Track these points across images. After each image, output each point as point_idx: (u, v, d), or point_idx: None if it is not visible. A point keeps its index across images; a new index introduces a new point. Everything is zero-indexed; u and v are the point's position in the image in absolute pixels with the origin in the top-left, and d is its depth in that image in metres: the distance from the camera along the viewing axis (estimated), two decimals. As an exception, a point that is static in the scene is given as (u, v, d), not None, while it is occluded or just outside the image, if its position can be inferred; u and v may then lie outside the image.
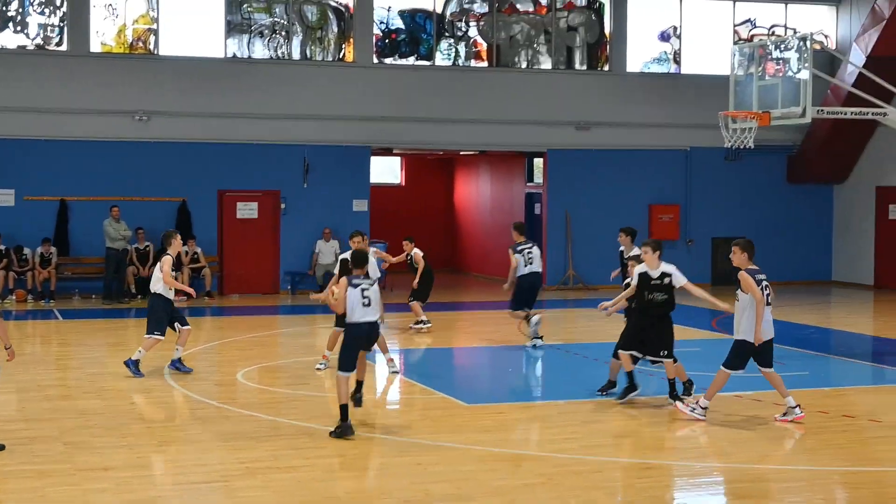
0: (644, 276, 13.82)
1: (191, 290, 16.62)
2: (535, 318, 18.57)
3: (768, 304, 12.69)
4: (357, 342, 12.24)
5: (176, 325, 15.88)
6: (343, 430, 11.95)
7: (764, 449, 11.91)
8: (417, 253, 20.62)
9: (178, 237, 16.22)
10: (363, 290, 12.10)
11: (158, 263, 15.86)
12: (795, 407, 12.92)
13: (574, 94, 29.11)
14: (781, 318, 23.05)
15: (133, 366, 15.64)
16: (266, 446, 11.68)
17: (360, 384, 12.68)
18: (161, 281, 15.60)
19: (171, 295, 15.75)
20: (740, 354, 12.85)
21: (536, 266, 18.70)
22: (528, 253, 18.56)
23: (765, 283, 12.81)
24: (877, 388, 16.13)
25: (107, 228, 25.02)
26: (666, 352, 13.71)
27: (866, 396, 15.48)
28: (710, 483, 10.88)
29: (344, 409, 12.02)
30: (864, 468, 11.21)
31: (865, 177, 30.25)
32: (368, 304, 12.10)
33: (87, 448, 11.51)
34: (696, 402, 13.10)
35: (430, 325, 20.34)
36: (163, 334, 15.73)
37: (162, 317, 15.77)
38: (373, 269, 14.39)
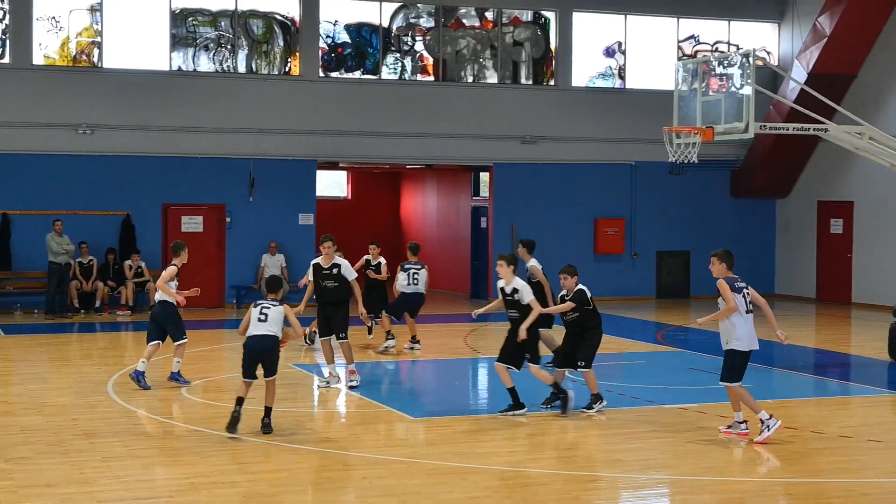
0: (501, 291, 14.22)
1: (181, 299, 16.21)
2: (390, 343, 19.60)
3: (749, 312, 12.80)
4: (249, 353, 12.92)
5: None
6: (232, 420, 12.66)
7: (708, 461, 11.99)
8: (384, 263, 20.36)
9: (186, 250, 16.56)
10: (262, 308, 12.90)
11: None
12: (742, 423, 12.98)
13: (520, 109, 29.23)
14: (714, 329, 23.26)
15: (178, 377, 16.03)
16: (211, 461, 11.60)
17: (267, 410, 12.94)
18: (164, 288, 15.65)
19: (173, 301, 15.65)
20: (733, 366, 12.76)
21: (420, 287, 19.41)
22: (415, 274, 19.40)
23: (745, 291, 12.95)
24: (819, 400, 16.30)
25: (49, 242, 24.77)
26: (529, 356, 13.97)
27: (809, 409, 15.64)
28: (655, 495, 10.93)
29: (239, 400, 12.73)
30: (806, 479, 11.32)
31: (807, 191, 30.60)
32: (264, 320, 12.83)
33: (29, 465, 11.38)
34: (762, 423, 12.64)
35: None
36: (184, 336, 16.08)
37: (179, 321, 16.09)
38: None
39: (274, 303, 13.01)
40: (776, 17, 31.11)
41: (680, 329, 24.47)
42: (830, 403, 16.10)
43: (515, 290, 13.96)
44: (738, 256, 31.56)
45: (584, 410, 14.14)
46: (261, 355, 12.93)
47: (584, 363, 14.13)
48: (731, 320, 12.65)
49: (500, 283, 14.21)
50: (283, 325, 13.03)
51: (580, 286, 14.17)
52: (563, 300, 14.26)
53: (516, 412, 13.94)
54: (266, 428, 12.84)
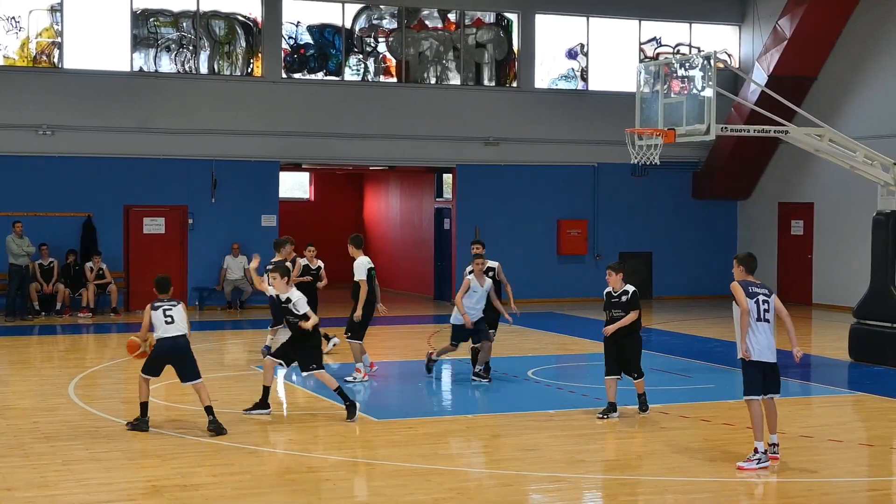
0: (608, 295, 14.62)
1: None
2: (334, 341, 19.90)
3: (765, 320, 11.92)
4: (161, 354, 13.24)
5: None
6: (139, 425, 13.03)
7: (671, 461, 12.04)
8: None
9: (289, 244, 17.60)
10: (165, 310, 13.21)
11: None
12: (775, 445, 11.94)
13: (483, 110, 29.27)
14: (688, 332, 23.39)
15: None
16: (173, 464, 11.55)
17: (208, 409, 13.14)
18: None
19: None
20: (745, 378, 11.94)
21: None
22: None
23: (762, 297, 12.04)
24: (780, 400, 16.31)
25: (9, 244, 24.57)
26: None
27: (770, 408, 15.72)
28: (618, 496, 10.97)
29: (143, 406, 13.12)
30: (768, 479, 11.39)
31: (768, 193, 30.81)
32: (172, 322, 13.19)
33: (-11, 468, 11.29)
34: (755, 452, 11.69)
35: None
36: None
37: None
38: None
39: (172, 302, 13.40)
40: (737, 19, 31.31)
41: (642, 330, 24.49)
42: (792, 404, 16.19)
43: (625, 293, 14.23)
44: (700, 258, 31.78)
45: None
46: (176, 356, 13.27)
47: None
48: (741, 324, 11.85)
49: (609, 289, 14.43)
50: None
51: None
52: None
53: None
54: (215, 426, 12.89)
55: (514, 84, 29.75)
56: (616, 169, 29.40)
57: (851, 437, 13.58)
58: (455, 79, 29.42)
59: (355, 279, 16.72)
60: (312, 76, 28.29)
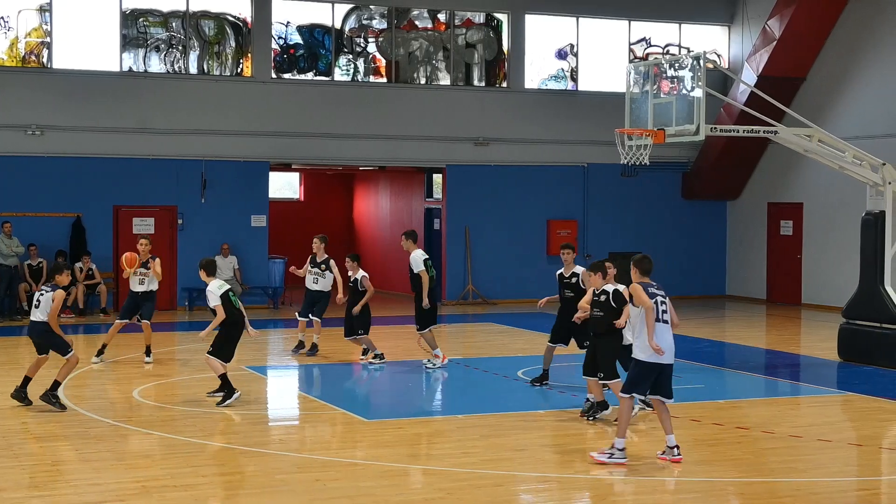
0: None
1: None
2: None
3: (663, 321, 11.86)
4: (29, 336, 14.60)
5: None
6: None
7: (661, 461, 12.05)
8: (366, 276, 18.63)
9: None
10: (37, 294, 14.28)
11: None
12: (675, 447, 11.94)
13: (473, 111, 29.27)
14: (677, 333, 23.42)
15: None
16: (162, 465, 11.54)
17: (55, 384, 14.32)
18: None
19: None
20: (630, 376, 12.05)
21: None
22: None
23: (660, 299, 11.99)
24: (769, 400, 16.44)
25: (-2, 244, 24.55)
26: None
27: (760, 408, 15.77)
28: (607, 495, 10.98)
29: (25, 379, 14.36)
30: (757, 479, 11.42)
31: (757, 193, 30.86)
32: (37, 306, 14.18)
33: (-22, 468, 11.27)
34: (612, 447, 11.85)
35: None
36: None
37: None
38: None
39: (47, 288, 14.18)
40: (726, 20, 31.36)
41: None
42: (781, 403, 16.25)
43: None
44: (690, 258, 31.85)
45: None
46: (36, 340, 14.36)
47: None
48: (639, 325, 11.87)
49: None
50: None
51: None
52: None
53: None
54: (43, 399, 14.15)
55: (504, 84, 29.76)
56: (606, 169, 29.42)
57: (840, 436, 13.62)
58: (445, 79, 29.42)
59: (414, 271, 17.68)
60: (302, 76, 28.27)
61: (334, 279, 19.46)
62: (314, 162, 28.97)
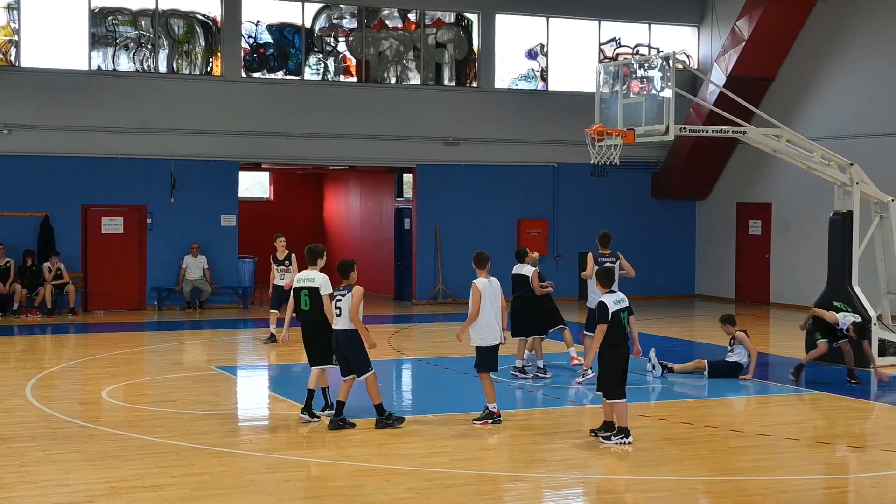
0: None
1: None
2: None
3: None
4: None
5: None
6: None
7: (630, 460, 12.10)
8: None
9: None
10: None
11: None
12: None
13: (443, 110, 29.28)
14: (646, 332, 23.50)
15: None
16: (131, 465, 11.49)
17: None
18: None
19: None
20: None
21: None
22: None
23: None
24: (738, 399, 16.51)
25: (-35, 244, 24.38)
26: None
27: (728, 408, 15.86)
28: (578, 494, 11.01)
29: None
30: (726, 478, 11.48)
31: (726, 193, 31.00)
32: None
33: (-55, 470, 11.19)
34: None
35: None
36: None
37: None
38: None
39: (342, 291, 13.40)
40: (695, 20, 31.49)
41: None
42: (749, 402, 16.33)
43: None
44: (660, 258, 31.99)
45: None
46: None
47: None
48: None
49: None
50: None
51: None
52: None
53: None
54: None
55: (475, 84, 29.78)
56: (576, 169, 29.47)
57: (808, 435, 13.71)
58: (415, 79, 29.41)
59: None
60: (272, 75, 28.20)
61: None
62: (284, 161, 28.91)
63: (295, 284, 13.85)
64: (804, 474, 11.75)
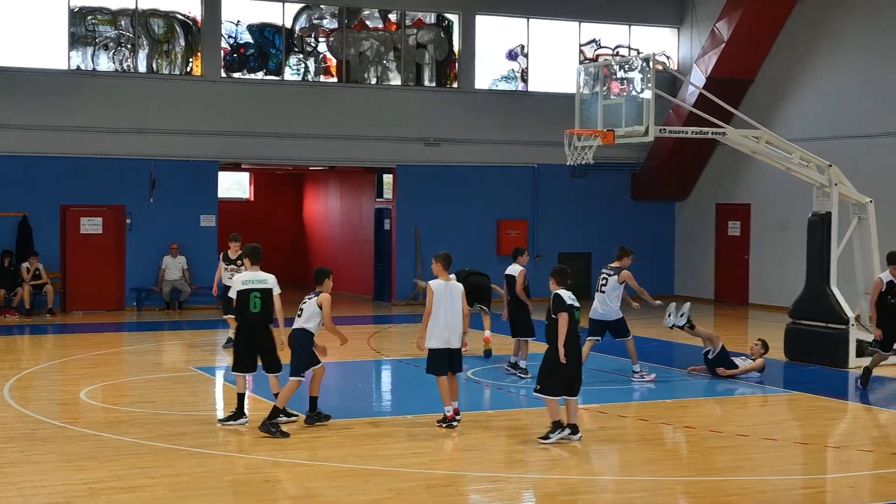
0: None
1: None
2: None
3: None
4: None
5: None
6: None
7: (609, 460, 12.13)
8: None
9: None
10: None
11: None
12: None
13: (423, 111, 29.28)
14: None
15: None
16: (110, 466, 11.45)
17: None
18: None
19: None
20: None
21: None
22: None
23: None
24: (716, 399, 16.56)
25: (-57, 244, 24.26)
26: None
27: (707, 408, 15.91)
28: (558, 495, 11.02)
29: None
30: (705, 478, 11.51)
31: (706, 194, 31.09)
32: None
33: (-78, 471, 11.14)
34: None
35: None
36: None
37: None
38: None
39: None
40: (675, 22, 31.57)
41: (581, 330, 24.62)
42: (728, 403, 16.38)
43: None
44: (639, 258, 32.05)
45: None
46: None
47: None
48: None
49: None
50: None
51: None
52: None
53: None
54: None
55: (455, 85, 29.79)
56: (556, 170, 29.49)
57: (786, 435, 13.76)
58: (395, 79, 29.40)
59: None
60: (252, 76, 28.16)
61: None
62: (264, 162, 28.86)
63: (241, 287, 13.45)
64: (782, 474, 11.80)
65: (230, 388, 16.27)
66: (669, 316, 18.18)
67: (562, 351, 12.53)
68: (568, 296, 12.81)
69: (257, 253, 13.81)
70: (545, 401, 12.77)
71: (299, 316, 13.40)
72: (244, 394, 13.76)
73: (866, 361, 18.74)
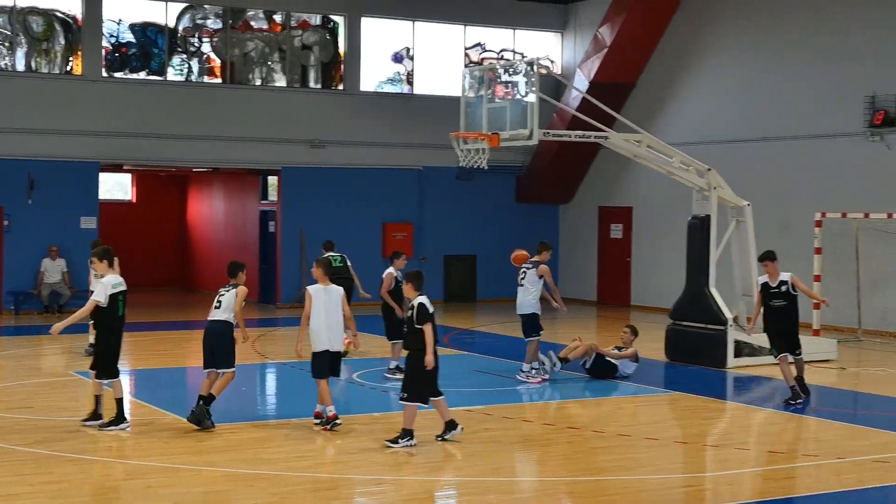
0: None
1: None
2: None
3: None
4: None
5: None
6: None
7: (494, 462, 12.21)
8: None
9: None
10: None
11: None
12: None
13: (309, 113, 29.15)
14: (511, 335, 23.73)
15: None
16: (-13, 473, 11.21)
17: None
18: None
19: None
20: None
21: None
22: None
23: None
24: (599, 400, 16.77)
25: None
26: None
27: (590, 408, 16.10)
28: (442, 497, 11.07)
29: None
30: (588, 477, 11.65)
31: (589, 197, 31.47)
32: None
33: None
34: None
35: None
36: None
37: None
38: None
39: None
40: (559, 27, 31.90)
41: (466, 332, 24.83)
42: (610, 403, 16.60)
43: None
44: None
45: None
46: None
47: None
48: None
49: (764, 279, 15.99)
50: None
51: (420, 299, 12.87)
52: None
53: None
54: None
55: (340, 87, 29.73)
56: (441, 172, 29.64)
57: (667, 434, 13.99)
58: (280, 80, 29.23)
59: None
60: (134, 75, 27.76)
61: None
62: (146, 163, 28.48)
63: (111, 291, 13.22)
64: (663, 473, 11.99)
65: (111, 392, 16.03)
66: (547, 368, 17.84)
67: (430, 358, 12.58)
68: (430, 303, 12.78)
69: (109, 253, 13.60)
70: (405, 407, 12.73)
71: (217, 308, 13.60)
72: (122, 398, 13.57)
73: (745, 361, 19.18)
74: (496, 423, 14.20)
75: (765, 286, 15.98)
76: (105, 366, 13.37)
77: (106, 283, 13.29)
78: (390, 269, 17.63)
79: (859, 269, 23.51)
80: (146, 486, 10.91)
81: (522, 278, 17.66)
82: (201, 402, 13.46)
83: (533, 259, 17.75)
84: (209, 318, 13.69)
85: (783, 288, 15.82)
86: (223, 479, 11.22)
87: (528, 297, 17.50)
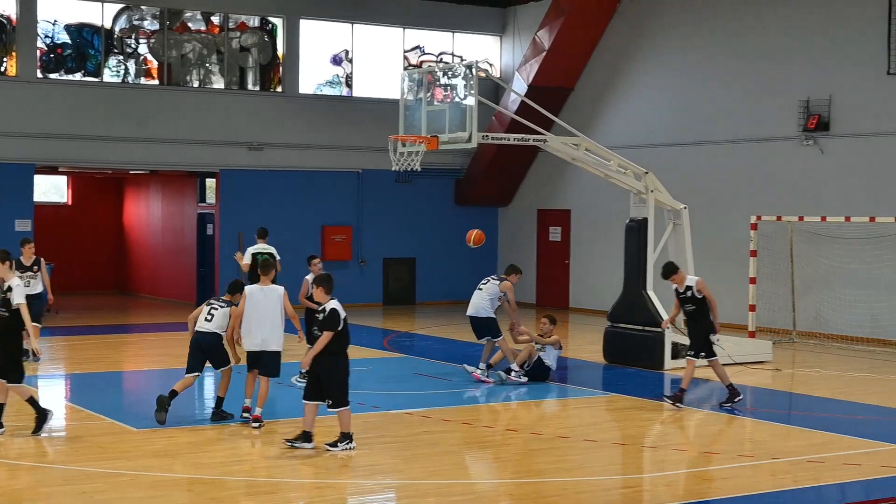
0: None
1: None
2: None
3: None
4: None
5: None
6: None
7: (434, 465, 12.22)
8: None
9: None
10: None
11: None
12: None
13: (247, 115, 29.01)
14: (450, 337, 23.76)
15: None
16: (-81, 480, 11.04)
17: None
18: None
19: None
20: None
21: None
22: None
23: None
24: (538, 402, 16.83)
25: None
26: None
27: (529, 411, 16.16)
28: (382, 500, 11.06)
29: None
30: (526, 480, 11.69)
31: (528, 200, 31.59)
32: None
33: None
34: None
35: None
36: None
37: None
38: None
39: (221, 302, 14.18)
40: (498, 30, 32.00)
41: (405, 335, 24.82)
42: (549, 405, 16.67)
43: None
44: (461, 264, 32.27)
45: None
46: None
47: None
48: None
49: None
50: None
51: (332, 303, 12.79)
52: None
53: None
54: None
55: (279, 89, 29.61)
56: (380, 175, 29.62)
57: (605, 436, 14.08)
58: (218, 82, 29.06)
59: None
60: (70, 76, 27.47)
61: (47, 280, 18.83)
62: (82, 165, 28.18)
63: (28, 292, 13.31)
64: (601, 475, 12.07)
65: (46, 397, 15.84)
66: (504, 377, 17.84)
67: (306, 360, 12.58)
68: (342, 308, 12.64)
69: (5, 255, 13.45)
70: (340, 412, 12.58)
71: (208, 321, 14.06)
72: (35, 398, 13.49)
73: (682, 363, 19.30)
74: (435, 425, 14.21)
75: (675, 291, 16.33)
76: (20, 368, 13.32)
77: (21, 286, 13.23)
78: (308, 276, 17.87)
79: (794, 272, 23.80)
80: (81, 492, 10.79)
81: (484, 284, 17.95)
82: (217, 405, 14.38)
83: (501, 276, 18.12)
84: (198, 329, 14.13)
85: (689, 293, 16.13)
86: (160, 485, 11.13)
87: (483, 301, 17.73)
